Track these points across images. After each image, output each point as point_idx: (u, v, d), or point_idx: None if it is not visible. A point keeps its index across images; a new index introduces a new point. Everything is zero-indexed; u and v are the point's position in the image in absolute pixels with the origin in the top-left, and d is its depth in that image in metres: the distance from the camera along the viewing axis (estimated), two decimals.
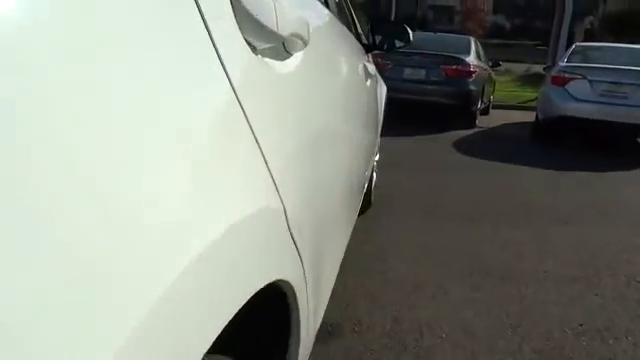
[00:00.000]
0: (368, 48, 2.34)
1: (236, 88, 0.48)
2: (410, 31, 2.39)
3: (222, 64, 0.46)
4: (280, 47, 0.62)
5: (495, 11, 31.41)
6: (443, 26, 23.82)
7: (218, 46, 0.46)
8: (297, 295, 0.60)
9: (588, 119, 5.51)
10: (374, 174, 3.04)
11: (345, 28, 1.71)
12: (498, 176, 4.30)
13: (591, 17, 23.48)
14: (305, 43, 0.68)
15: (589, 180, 4.40)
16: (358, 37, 2.20)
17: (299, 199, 0.63)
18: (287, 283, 0.57)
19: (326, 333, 1.72)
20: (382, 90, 2.83)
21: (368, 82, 1.92)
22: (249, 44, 0.54)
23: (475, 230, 2.87)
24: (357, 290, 2.05)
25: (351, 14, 2.23)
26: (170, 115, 0.38)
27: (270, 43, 0.58)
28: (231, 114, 0.48)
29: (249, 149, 0.50)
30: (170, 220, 0.36)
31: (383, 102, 2.87)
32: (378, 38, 2.45)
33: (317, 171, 0.79)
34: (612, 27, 20.34)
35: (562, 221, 3.17)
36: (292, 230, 0.58)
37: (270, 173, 0.53)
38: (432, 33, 8.14)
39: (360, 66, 1.73)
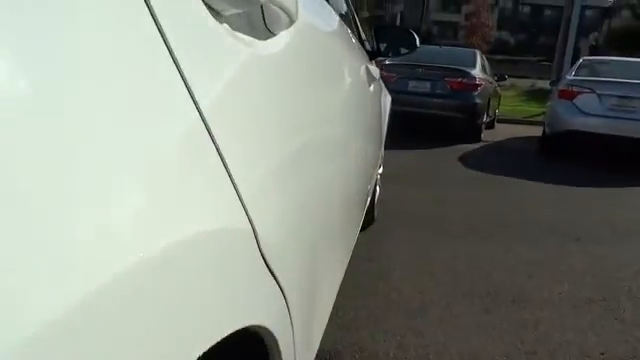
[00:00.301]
0: (372, 55, 2.21)
1: (184, 68, 0.34)
2: (416, 36, 2.27)
3: (161, 33, 0.32)
4: (257, 19, 0.48)
5: (499, 27, 31.45)
6: (447, 41, 23.83)
7: (154, 6, 0.32)
8: (279, 342, 0.46)
9: (597, 133, 5.38)
10: (377, 188, 2.90)
11: (348, 29, 1.59)
12: (506, 191, 4.16)
13: (596, 33, 23.49)
14: (292, 19, 0.54)
15: (599, 195, 4.25)
16: (362, 43, 2.08)
17: (277, 219, 0.49)
18: (265, 329, 0.43)
19: None
20: (387, 100, 2.70)
21: (372, 88, 1.79)
22: (208, 6, 0.40)
23: (483, 248, 2.72)
24: (358, 312, 1.90)
25: (354, 19, 2.11)
26: (84, 108, 0.27)
27: (241, 8, 0.44)
28: (174, 104, 0.34)
29: (202, 154, 0.36)
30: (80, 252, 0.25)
31: (387, 112, 2.74)
32: (383, 46, 2.33)
33: (304, 185, 0.64)
34: (616, 43, 20.35)
35: (574, 238, 3.02)
36: (267, 258, 0.44)
37: (233, 185, 0.39)
38: (437, 46, 8.06)
39: (363, 70, 1.60)
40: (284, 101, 0.59)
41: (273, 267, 0.45)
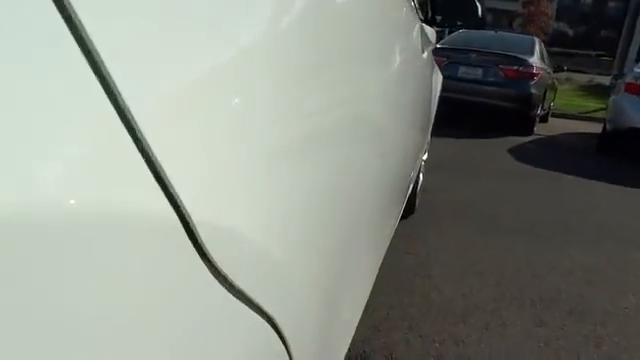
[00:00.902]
0: (425, 24, 1.96)
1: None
2: (479, 6, 1.99)
3: None
4: None
5: (558, 18, 29.95)
6: (502, 30, 22.87)
7: None
8: None
9: None
10: (421, 175, 2.67)
11: None
12: (560, 189, 3.83)
13: None
14: None
15: None
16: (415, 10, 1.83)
17: (242, 208, 0.29)
18: None
19: None
20: (438, 78, 2.44)
21: (425, 54, 1.54)
22: None
23: (535, 248, 2.45)
24: (393, 311, 1.69)
25: None
26: None
27: None
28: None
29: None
30: None
31: (438, 92, 2.48)
32: (438, 18, 2.07)
33: (306, 169, 0.40)
34: None
35: (638, 245, 2.70)
36: (216, 261, 0.24)
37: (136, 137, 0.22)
38: (492, 31, 7.61)
39: (417, 26, 1.34)
40: (280, 37, 0.37)
41: (232, 276, 0.24)
